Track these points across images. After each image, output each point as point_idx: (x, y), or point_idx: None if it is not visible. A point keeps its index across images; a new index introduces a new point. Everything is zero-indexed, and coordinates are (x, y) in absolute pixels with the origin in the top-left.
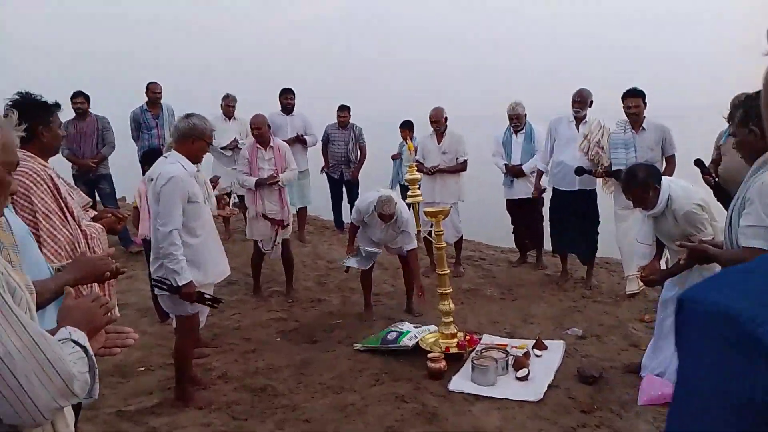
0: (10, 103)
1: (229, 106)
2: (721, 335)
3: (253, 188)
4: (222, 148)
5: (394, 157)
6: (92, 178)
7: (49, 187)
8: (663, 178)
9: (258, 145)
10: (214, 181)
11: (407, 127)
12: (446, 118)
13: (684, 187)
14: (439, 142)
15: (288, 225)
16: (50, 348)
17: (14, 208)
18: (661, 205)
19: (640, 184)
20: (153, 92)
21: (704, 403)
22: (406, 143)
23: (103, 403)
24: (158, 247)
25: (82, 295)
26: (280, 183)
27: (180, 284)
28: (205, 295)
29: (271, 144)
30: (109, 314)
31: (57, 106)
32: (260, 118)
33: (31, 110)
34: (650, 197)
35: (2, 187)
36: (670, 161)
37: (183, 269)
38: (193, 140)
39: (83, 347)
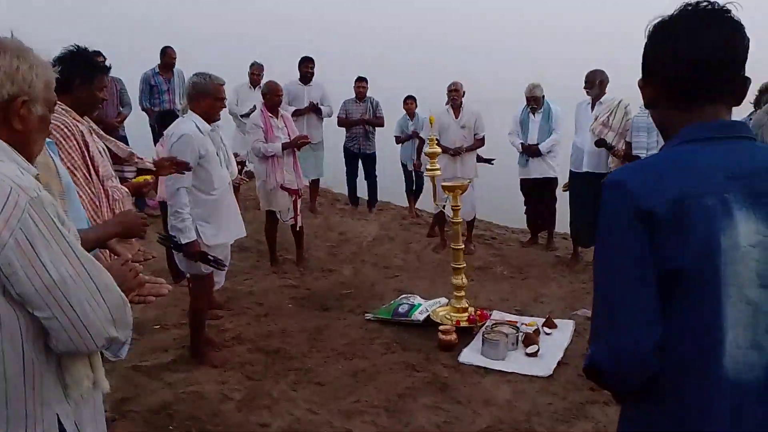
0: (60, 54)
1: (254, 74)
2: (614, 190)
3: (279, 153)
4: (242, 116)
5: (400, 141)
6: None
7: (77, 142)
8: None
9: (271, 114)
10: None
11: (412, 98)
12: (464, 93)
13: None
14: (456, 117)
15: (302, 194)
16: (100, 275)
17: None
18: None
19: None
20: (171, 57)
21: (608, 221)
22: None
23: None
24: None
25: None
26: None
27: (183, 242)
28: (209, 256)
29: (281, 113)
30: (138, 277)
31: (104, 69)
32: (278, 85)
33: (76, 63)
34: None
35: (45, 124)
36: None
37: (187, 228)
38: (198, 98)
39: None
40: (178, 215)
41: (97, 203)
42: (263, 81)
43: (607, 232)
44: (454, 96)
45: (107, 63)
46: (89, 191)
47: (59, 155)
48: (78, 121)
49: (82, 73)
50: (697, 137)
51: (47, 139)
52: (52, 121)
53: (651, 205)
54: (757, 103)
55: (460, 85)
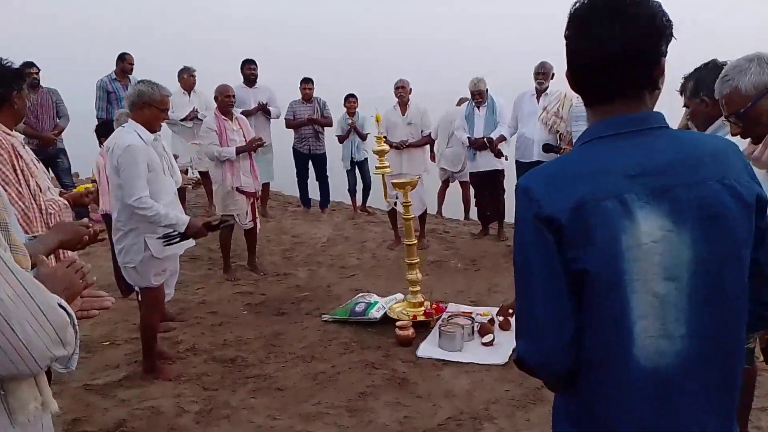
0: None
1: (191, 76)
2: (523, 197)
3: (234, 157)
4: (182, 121)
5: (342, 140)
6: (51, 153)
7: (10, 156)
8: None
9: (224, 117)
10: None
11: (353, 97)
12: (411, 90)
13: None
14: (403, 114)
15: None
16: (41, 295)
17: None
18: None
19: None
20: (129, 63)
21: (518, 226)
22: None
23: (69, 377)
24: (126, 218)
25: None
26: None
27: (184, 231)
28: (213, 223)
29: (236, 116)
30: (85, 278)
31: (26, 74)
32: (229, 86)
33: (10, 76)
34: None
35: None
36: None
37: (174, 218)
38: (143, 107)
39: (68, 312)
40: (158, 217)
41: (31, 218)
42: (196, 84)
43: (519, 236)
44: (401, 93)
45: (36, 75)
46: (21, 206)
47: None
48: (8, 134)
49: (17, 84)
50: (602, 134)
51: None
52: None
53: (552, 212)
54: (683, 90)
55: (406, 82)
